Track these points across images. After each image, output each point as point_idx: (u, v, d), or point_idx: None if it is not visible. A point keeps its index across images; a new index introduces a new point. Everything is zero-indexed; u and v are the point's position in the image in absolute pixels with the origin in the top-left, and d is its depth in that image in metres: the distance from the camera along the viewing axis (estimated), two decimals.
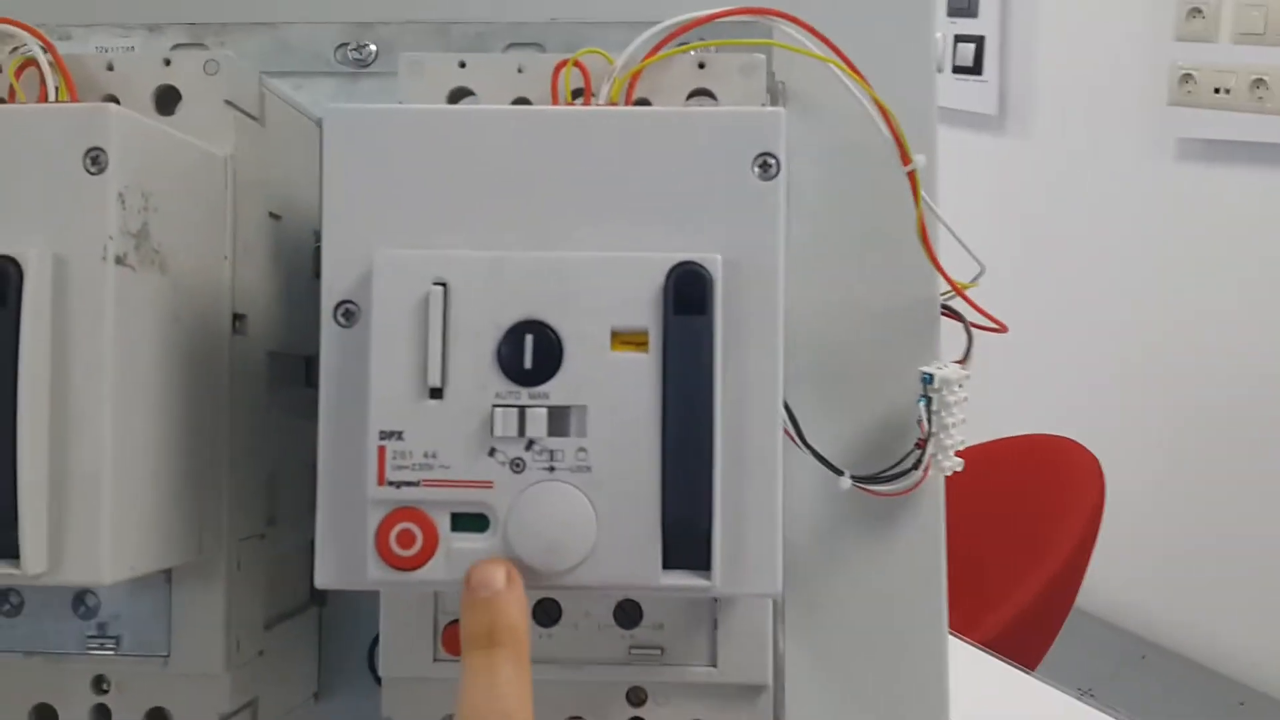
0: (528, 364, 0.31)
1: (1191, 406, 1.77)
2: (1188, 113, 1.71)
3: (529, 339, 0.31)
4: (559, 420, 0.31)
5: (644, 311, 0.31)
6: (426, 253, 0.32)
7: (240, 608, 0.39)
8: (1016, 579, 1.10)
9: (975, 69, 1.99)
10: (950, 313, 0.50)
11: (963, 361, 0.48)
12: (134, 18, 0.51)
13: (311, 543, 0.46)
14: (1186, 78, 1.71)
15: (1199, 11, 1.68)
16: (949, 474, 0.47)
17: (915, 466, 0.46)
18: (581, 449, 0.31)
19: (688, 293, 0.31)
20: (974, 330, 0.49)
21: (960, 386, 0.46)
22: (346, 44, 0.50)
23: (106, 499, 0.31)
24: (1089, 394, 1.87)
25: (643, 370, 0.31)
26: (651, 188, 0.33)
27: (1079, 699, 0.88)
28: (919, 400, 0.46)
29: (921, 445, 0.46)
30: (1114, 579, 1.61)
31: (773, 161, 0.32)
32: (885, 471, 0.47)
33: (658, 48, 0.40)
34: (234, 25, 0.50)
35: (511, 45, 0.50)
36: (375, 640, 0.46)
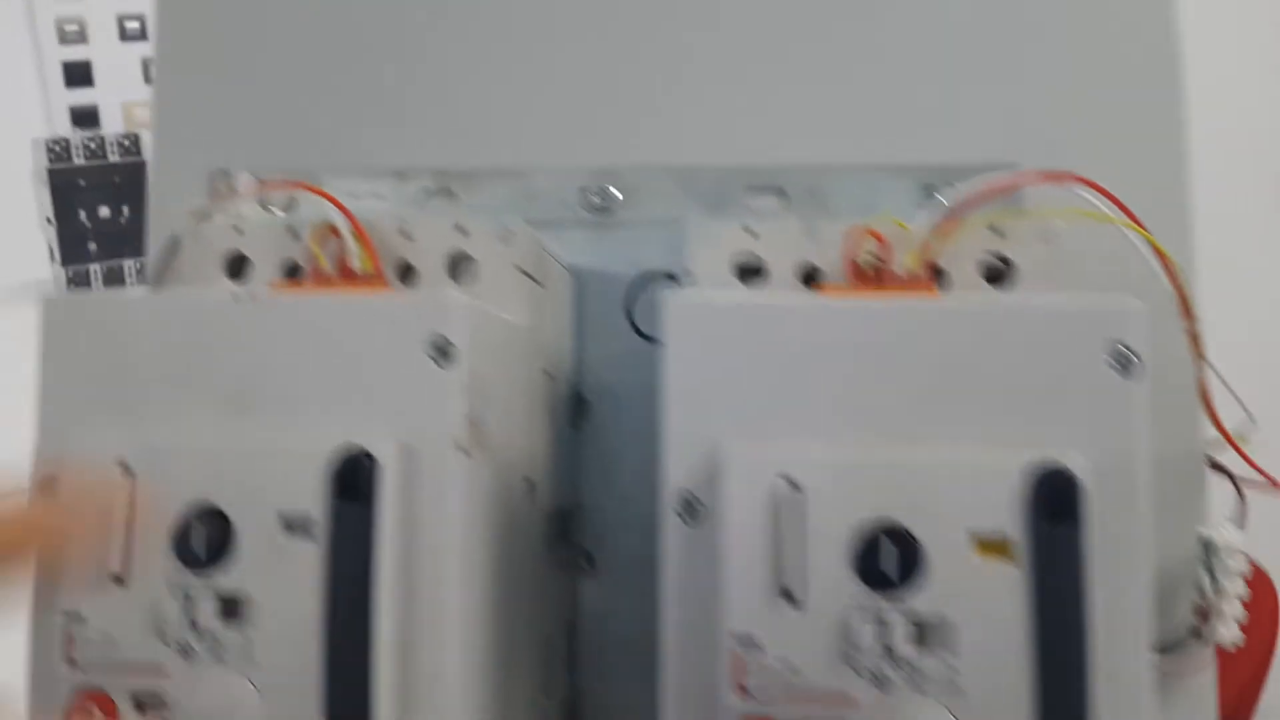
0: (887, 570, 0.30)
1: None
2: None
3: (886, 543, 0.30)
4: (923, 633, 0.30)
5: (1007, 517, 0.30)
6: (777, 451, 0.31)
7: None
8: None
9: None
10: (1218, 467, 0.48)
11: (1239, 523, 0.45)
12: (380, 163, 0.51)
13: (565, 702, 0.45)
14: None
15: None
16: (1231, 649, 0.45)
17: (1194, 637, 0.44)
18: (951, 666, 0.30)
19: (1056, 498, 0.30)
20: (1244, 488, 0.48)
21: (1242, 552, 0.44)
22: (587, 189, 0.50)
23: (455, 702, 0.30)
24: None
25: (1010, 583, 0.30)
26: (1003, 383, 0.31)
27: None
28: (1200, 566, 0.44)
29: (1204, 615, 0.44)
30: None
31: (1134, 358, 0.31)
32: (1158, 643, 0.45)
33: (956, 215, 0.39)
34: (479, 172, 0.50)
35: (750, 188, 0.50)
36: None
